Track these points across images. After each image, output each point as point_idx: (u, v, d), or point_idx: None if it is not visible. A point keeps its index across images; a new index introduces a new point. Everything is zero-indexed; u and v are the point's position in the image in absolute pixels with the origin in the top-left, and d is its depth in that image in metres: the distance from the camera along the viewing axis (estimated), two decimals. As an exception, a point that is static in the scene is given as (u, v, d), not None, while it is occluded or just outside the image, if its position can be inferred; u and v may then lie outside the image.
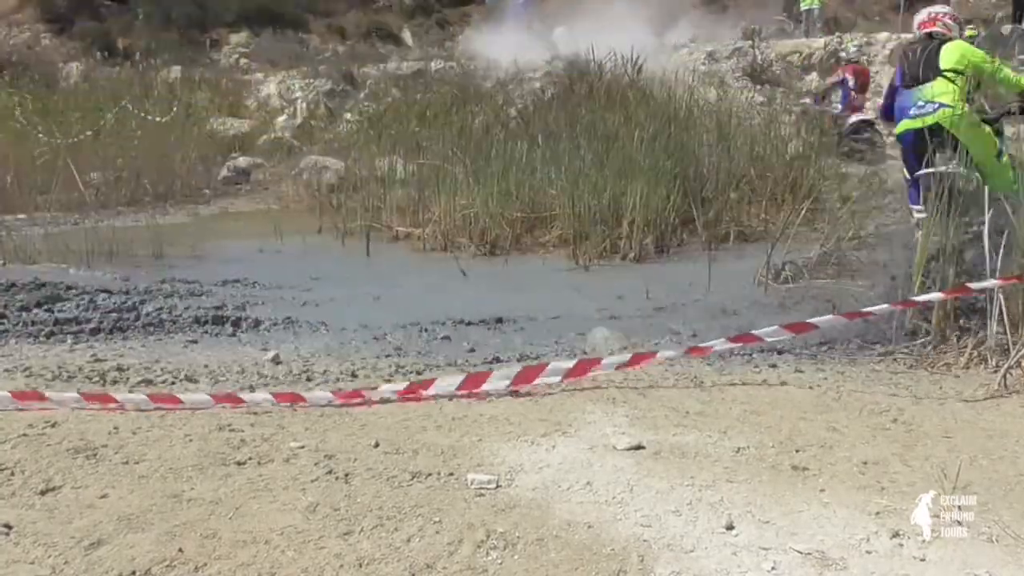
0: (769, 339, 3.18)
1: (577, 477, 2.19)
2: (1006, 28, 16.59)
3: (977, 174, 4.14)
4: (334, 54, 18.98)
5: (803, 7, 18.94)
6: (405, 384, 2.97)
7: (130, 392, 2.92)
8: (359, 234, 7.35)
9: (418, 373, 3.34)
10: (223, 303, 4.76)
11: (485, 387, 2.88)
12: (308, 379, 3.23)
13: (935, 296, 3.39)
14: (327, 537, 1.85)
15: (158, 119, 10.45)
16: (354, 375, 3.29)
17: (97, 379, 3.15)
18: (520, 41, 13.18)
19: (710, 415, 2.71)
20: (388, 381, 3.14)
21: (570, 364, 2.96)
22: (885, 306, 3.42)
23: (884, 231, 6.51)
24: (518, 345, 3.94)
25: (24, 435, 2.41)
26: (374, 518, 1.94)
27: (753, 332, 3.17)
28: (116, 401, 2.68)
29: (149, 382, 3.13)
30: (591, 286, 5.46)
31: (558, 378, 2.92)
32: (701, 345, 3.22)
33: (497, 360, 3.60)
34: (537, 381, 2.90)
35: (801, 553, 1.81)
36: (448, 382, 2.90)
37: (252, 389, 3.01)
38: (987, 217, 3.53)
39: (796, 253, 5.89)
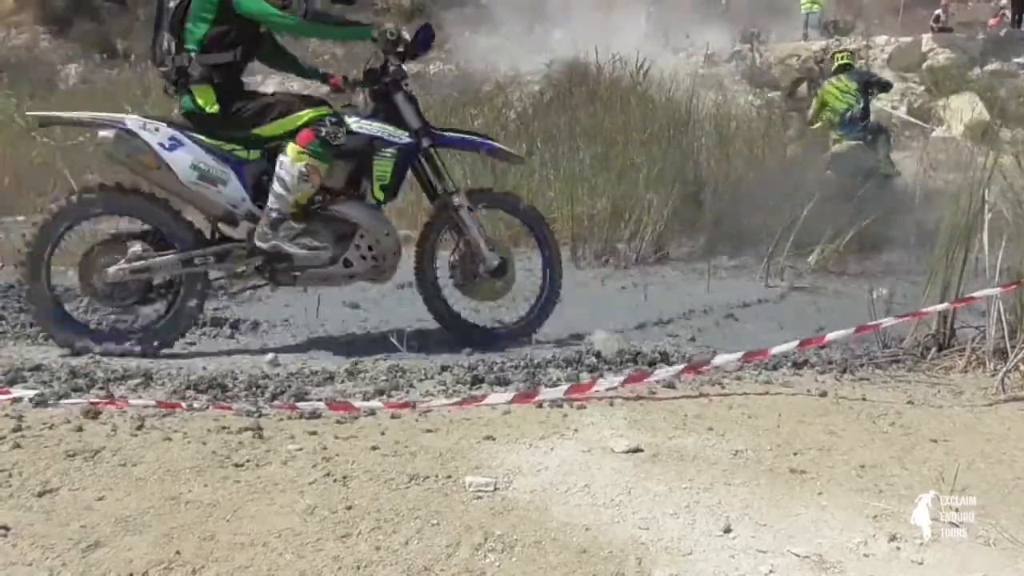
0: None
1: (575, 480, 2.19)
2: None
3: None
4: (332, 56, 18.98)
5: (802, 11, 19.01)
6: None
7: (132, 392, 2.93)
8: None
9: (416, 378, 3.34)
10: (222, 304, 4.76)
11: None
12: (310, 383, 3.22)
13: (942, 307, 3.39)
14: (325, 539, 1.85)
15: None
16: (353, 376, 3.28)
17: (100, 384, 3.14)
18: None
19: (708, 418, 2.71)
20: (381, 392, 3.14)
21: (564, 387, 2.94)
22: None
23: (884, 232, 6.54)
24: (516, 347, 3.93)
25: (22, 436, 2.40)
26: (372, 520, 1.94)
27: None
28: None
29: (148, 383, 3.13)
30: (589, 288, 5.46)
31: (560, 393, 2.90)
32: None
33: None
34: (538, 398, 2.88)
35: (799, 556, 1.81)
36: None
37: (255, 391, 3.01)
38: (986, 220, 3.54)
39: (796, 256, 5.90)
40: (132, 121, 3.55)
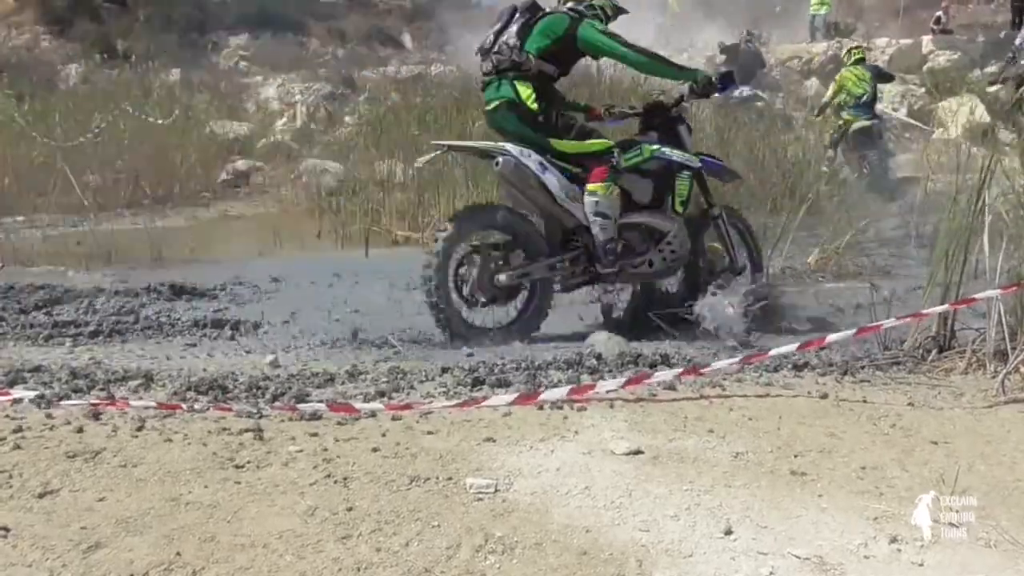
0: None
1: (576, 482, 2.19)
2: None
3: None
4: (334, 57, 19.00)
5: (811, 12, 19.08)
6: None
7: (133, 393, 2.92)
8: (358, 237, 7.36)
9: (419, 380, 3.34)
10: (222, 306, 4.77)
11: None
12: (311, 384, 3.22)
13: (942, 309, 3.39)
14: (325, 541, 1.85)
15: (158, 121, 10.45)
16: (353, 377, 3.28)
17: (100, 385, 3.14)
18: None
19: (709, 420, 2.71)
20: (382, 393, 3.14)
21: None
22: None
23: (883, 236, 6.54)
24: (517, 349, 3.93)
25: (22, 437, 2.40)
26: (372, 522, 1.94)
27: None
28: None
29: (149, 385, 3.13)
30: (590, 289, 5.45)
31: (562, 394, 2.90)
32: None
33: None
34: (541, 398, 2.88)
35: (799, 558, 1.81)
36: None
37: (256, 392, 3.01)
38: (987, 222, 3.54)
39: (795, 258, 5.90)
40: (511, 148, 4.04)
